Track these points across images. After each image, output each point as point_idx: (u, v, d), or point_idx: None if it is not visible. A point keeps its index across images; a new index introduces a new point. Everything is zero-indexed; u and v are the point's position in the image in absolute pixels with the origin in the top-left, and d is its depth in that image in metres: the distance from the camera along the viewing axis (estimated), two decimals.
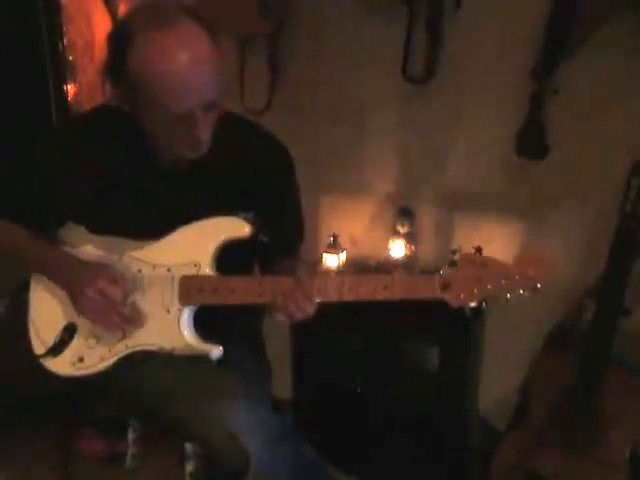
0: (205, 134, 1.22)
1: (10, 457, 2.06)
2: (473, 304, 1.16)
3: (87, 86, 2.19)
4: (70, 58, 2.11)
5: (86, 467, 2.10)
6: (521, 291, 1.13)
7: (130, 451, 1.65)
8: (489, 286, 1.14)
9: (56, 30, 2.06)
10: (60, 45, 2.08)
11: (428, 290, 1.16)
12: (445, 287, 1.15)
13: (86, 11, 2.15)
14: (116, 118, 1.30)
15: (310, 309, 1.23)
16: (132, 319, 1.30)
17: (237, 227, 1.28)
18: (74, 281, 1.31)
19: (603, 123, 1.82)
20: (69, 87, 2.13)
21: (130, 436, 1.63)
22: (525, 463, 1.73)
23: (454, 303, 1.15)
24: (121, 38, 1.16)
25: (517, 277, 1.13)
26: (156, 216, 1.33)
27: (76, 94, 2.15)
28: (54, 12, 2.04)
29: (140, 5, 1.20)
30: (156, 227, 1.32)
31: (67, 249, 1.38)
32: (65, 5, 2.06)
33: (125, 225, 1.34)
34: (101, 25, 2.18)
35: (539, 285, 1.12)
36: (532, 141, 1.89)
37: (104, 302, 1.27)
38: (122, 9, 2.18)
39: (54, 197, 1.36)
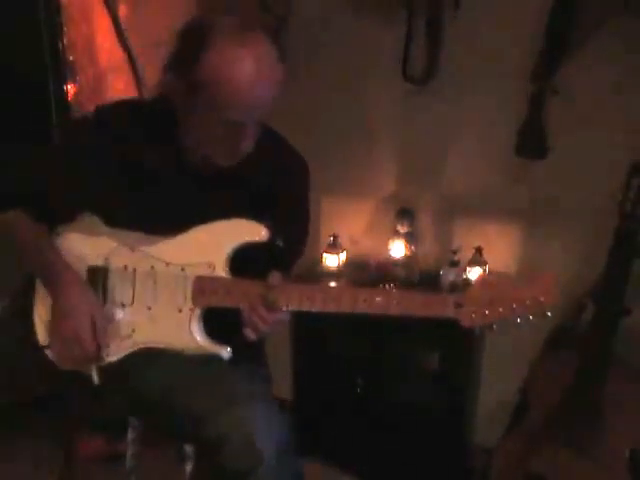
0: (248, 146, 1.24)
1: (10, 457, 2.07)
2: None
3: (87, 86, 2.19)
4: (70, 58, 2.11)
5: (86, 467, 2.10)
6: (531, 317, 1.14)
7: (130, 451, 1.64)
8: (500, 309, 1.15)
9: (56, 30, 2.05)
10: (60, 45, 2.07)
11: (442, 308, 1.17)
12: (458, 307, 1.16)
13: (86, 11, 2.15)
14: (142, 113, 1.31)
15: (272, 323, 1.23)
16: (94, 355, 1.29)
17: (255, 230, 1.27)
18: (59, 302, 1.30)
19: (603, 123, 1.82)
20: (69, 87, 2.13)
21: (130, 436, 1.63)
22: (525, 463, 1.73)
23: (466, 323, 1.16)
24: (199, 36, 1.17)
25: (528, 302, 1.13)
26: (173, 213, 1.32)
27: (76, 94, 2.15)
28: (54, 12, 2.04)
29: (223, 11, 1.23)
30: (172, 224, 1.31)
31: (82, 245, 1.36)
32: (65, 5, 2.06)
33: (141, 220, 1.32)
34: (101, 25, 2.18)
35: (549, 313, 1.13)
36: (532, 141, 1.89)
37: (75, 343, 1.27)
38: (122, 9, 2.18)
39: (74, 189, 1.35)
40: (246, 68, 1.15)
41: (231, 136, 1.22)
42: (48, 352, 1.34)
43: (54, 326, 1.30)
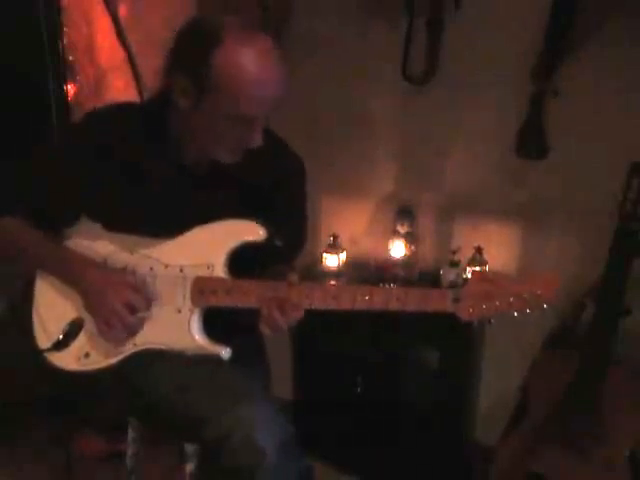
0: (258, 140, 1.25)
1: (10, 457, 2.07)
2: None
3: (87, 86, 2.19)
4: (70, 58, 2.11)
5: (86, 467, 2.10)
6: (528, 310, 1.16)
7: (130, 451, 1.64)
8: (497, 302, 1.16)
9: (56, 30, 2.05)
10: (60, 45, 2.07)
11: (440, 303, 1.19)
12: (456, 301, 1.18)
13: (86, 11, 2.15)
14: (138, 116, 1.31)
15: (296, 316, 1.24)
16: (138, 328, 1.31)
17: (253, 230, 1.28)
18: (94, 287, 1.31)
19: (603, 124, 1.82)
20: (69, 87, 2.13)
21: (130, 436, 1.63)
22: (525, 463, 1.73)
23: (464, 317, 1.18)
24: (207, 35, 1.19)
25: (525, 296, 1.15)
26: (171, 215, 1.33)
27: (76, 94, 2.15)
28: (54, 12, 2.04)
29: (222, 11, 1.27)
30: (170, 226, 1.32)
31: (81, 250, 1.37)
32: (65, 5, 2.06)
33: (140, 223, 1.33)
34: (101, 25, 2.18)
35: (545, 305, 1.15)
36: (532, 142, 1.90)
37: (126, 313, 1.28)
38: (122, 9, 2.18)
39: (72, 194, 1.36)
40: (258, 63, 1.18)
41: (240, 131, 1.24)
42: (47, 354, 1.35)
43: (93, 312, 1.31)
